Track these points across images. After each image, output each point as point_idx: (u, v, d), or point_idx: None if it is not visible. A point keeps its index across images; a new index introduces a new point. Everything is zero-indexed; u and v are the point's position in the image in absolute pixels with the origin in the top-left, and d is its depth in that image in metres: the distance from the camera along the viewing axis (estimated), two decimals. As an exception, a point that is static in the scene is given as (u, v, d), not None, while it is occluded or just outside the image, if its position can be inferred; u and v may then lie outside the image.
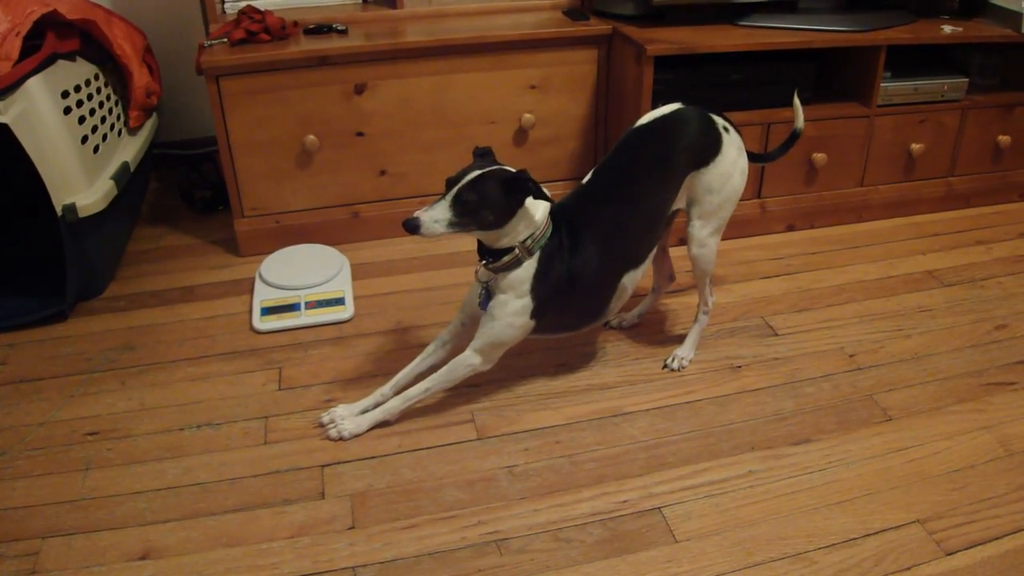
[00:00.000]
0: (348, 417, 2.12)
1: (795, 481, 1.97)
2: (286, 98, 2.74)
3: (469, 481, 1.98)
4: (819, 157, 2.95)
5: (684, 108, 2.19)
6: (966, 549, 1.80)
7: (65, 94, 2.47)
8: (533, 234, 1.99)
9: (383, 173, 2.94)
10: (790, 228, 3.08)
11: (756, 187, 2.98)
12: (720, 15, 2.99)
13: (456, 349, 2.17)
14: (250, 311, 2.60)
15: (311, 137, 2.80)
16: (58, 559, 1.78)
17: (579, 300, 2.13)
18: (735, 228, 3.00)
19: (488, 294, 2.06)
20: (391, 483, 1.97)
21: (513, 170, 1.93)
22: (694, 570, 1.75)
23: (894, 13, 3.02)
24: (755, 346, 2.45)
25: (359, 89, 2.78)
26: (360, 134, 2.85)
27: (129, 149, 2.83)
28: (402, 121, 2.87)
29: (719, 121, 2.19)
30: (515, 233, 1.98)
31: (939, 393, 2.27)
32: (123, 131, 2.85)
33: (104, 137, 2.66)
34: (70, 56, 2.57)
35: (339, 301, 2.59)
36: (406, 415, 2.17)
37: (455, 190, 1.88)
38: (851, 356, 2.40)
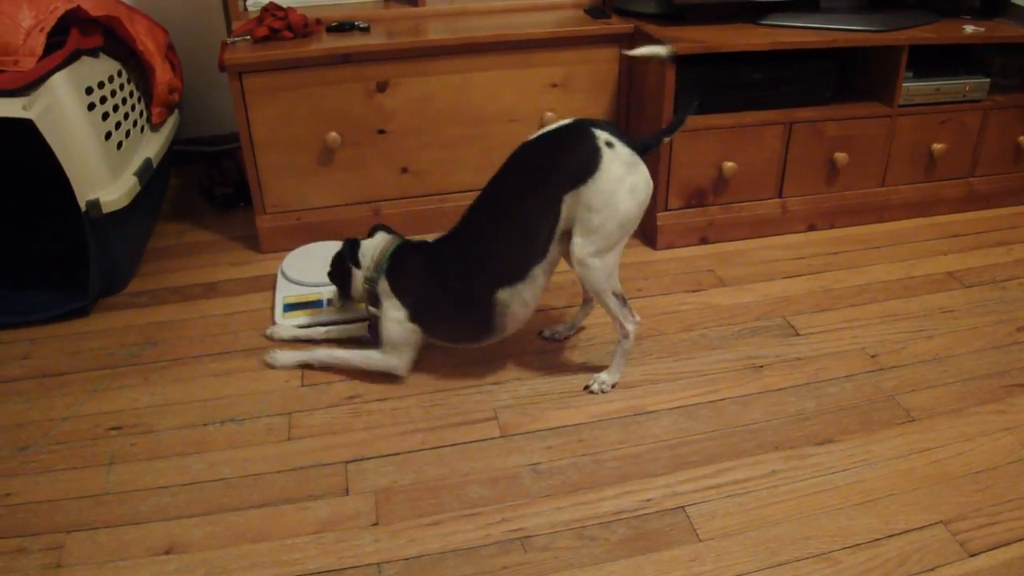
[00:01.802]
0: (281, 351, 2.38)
1: (818, 481, 1.97)
2: (308, 95, 2.75)
3: (492, 478, 1.98)
4: (841, 157, 2.94)
5: (569, 123, 2.12)
6: (989, 550, 1.79)
7: (89, 90, 2.48)
8: (370, 267, 2.28)
9: (405, 171, 2.94)
10: (811, 228, 3.08)
11: (777, 186, 2.97)
12: (742, 14, 2.99)
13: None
14: (272, 307, 2.61)
15: (333, 134, 2.80)
16: (82, 553, 1.79)
17: (455, 312, 2.23)
18: (756, 227, 3.00)
19: (373, 325, 2.33)
20: (415, 480, 1.98)
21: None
22: (718, 569, 1.75)
23: (916, 12, 3.02)
24: (777, 346, 2.44)
25: (381, 86, 2.79)
26: (382, 131, 2.86)
27: (152, 145, 2.84)
28: (424, 119, 2.88)
29: (601, 136, 2.06)
30: (359, 278, 2.31)
31: (961, 394, 2.26)
32: (146, 128, 2.86)
33: (127, 133, 2.67)
34: (94, 52, 2.58)
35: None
36: (425, 414, 2.18)
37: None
38: (873, 356, 2.40)
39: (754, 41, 2.76)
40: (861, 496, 1.93)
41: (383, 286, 2.25)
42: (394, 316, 2.23)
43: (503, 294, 2.15)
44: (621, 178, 2.05)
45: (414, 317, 2.23)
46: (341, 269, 2.33)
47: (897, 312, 2.61)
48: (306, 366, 2.36)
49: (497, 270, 2.15)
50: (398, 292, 2.23)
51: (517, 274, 2.14)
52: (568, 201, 2.06)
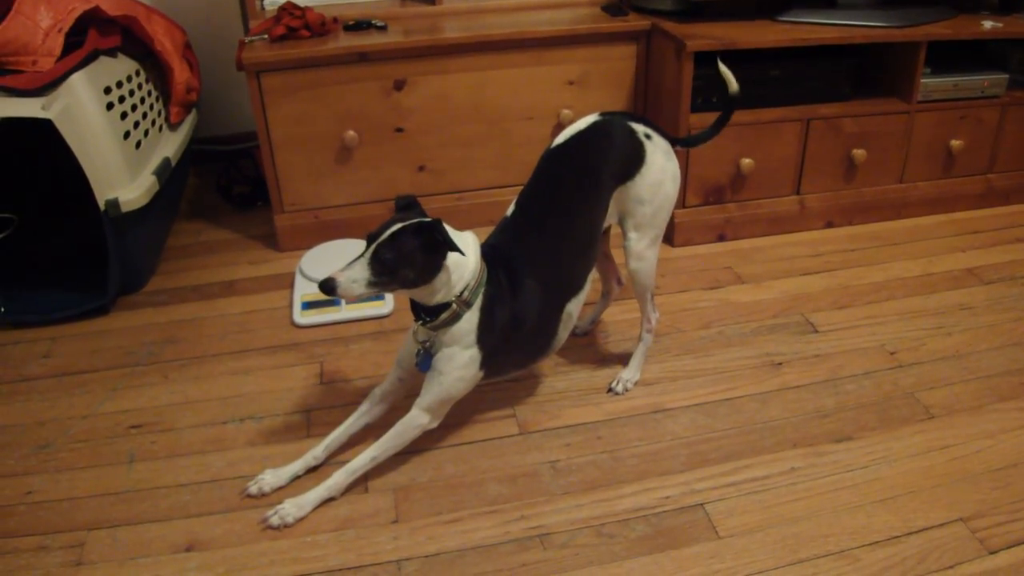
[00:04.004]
0: (289, 503, 1.87)
1: (837, 479, 1.97)
2: (326, 94, 2.75)
3: (511, 476, 1.99)
4: (859, 153, 2.94)
5: (600, 121, 2.07)
6: (1009, 548, 1.78)
7: (107, 90, 2.49)
8: (469, 284, 1.85)
9: (422, 169, 2.94)
10: (829, 224, 3.07)
11: (795, 183, 2.96)
12: (759, 11, 2.98)
13: (393, 406, 2.07)
14: (290, 305, 2.61)
15: (351, 133, 2.81)
16: (103, 551, 1.80)
17: (528, 339, 2.00)
18: (774, 224, 2.99)
19: (427, 354, 1.92)
20: (433, 477, 1.98)
21: (429, 220, 1.76)
22: (737, 566, 1.75)
23: (934, 8, 3.00)
24: (795, 343, 2.44)
25: (398, 85, 2.79)
26: (399, 130, 2.86)
27: (170, 145, 2.85)
28: (441, 117, 2.88)
29: (639, 128, 2.07)
30: (448, 287, 1.83)
31: (981, 391, 2.25)
32: (164, 127, 2.87)
33: (146, 133, 2.68)
34: (112, 52, 2.59)
35: (379, 296, 2.59)
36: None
37: (373, 247, 1.74)
38: (892, 353, 2.39)
39: (772, 37, 2.76)
40: (880, 493, 1.92)
41: (466, 324, 1.88)
42: (464, 366, 1.90)
43: (570, 306, 2.06)
44: (663, 167, 2.08)
45: (486, 362, 1.94)
46: (413, 246, 1.74)
47: (916, 309, 2.60)
48: (329, 500, 1.93)
49: (569, 282, 2.04)
50: (482, 334, 1.90)
51: (580, 283, 2.07)
52: (615, 197, 2.07)
